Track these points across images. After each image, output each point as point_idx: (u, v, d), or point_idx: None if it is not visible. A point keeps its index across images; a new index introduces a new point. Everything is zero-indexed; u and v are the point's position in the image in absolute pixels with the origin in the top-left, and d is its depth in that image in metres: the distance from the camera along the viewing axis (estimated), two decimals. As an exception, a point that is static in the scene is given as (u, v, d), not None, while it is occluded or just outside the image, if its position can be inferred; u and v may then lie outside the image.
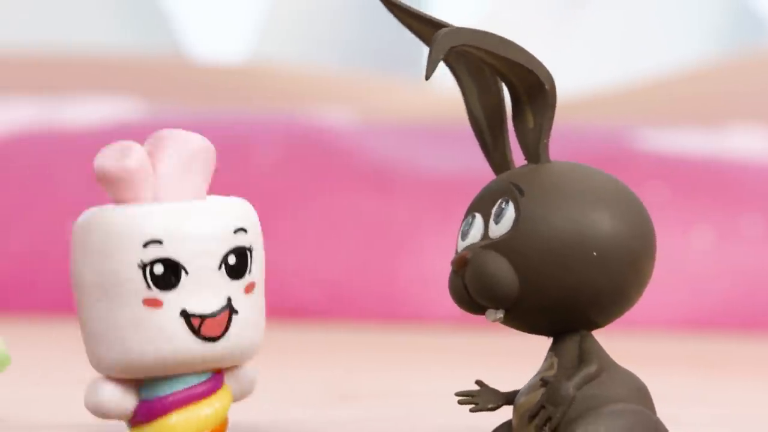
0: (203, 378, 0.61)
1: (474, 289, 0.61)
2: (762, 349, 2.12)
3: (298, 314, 2.39)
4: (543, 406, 0.60)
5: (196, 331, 0.59)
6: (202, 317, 0.60)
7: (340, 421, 0.84)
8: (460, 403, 0.64)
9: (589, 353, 0.62)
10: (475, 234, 0.63)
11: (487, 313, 0.62)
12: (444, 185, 2.49)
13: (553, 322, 0.62)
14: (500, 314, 0.61)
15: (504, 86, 0.64)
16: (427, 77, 0.60)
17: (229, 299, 0.60)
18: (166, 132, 0.62)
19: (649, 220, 0.64)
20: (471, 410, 0.63)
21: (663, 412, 1.00)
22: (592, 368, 0.61)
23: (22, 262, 2.49)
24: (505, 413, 0.64)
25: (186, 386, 0.60)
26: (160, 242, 0.59)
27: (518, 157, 0.66)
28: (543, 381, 0.61)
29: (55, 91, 3.05)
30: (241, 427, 0.81)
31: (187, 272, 0.59)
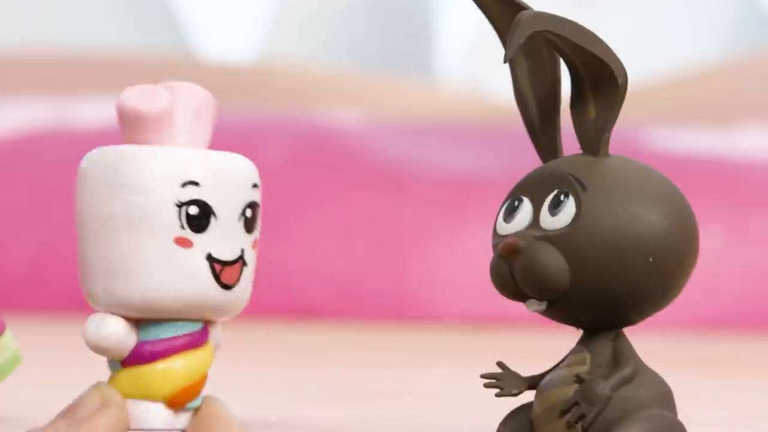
0: (197, 327, 0.62)
1: (524, 279, 0.61)
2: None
3: (309, 313, 2.39)
4: (577, 403, 0.60)
5: (217, 276, 0.61)
6: (224, 264, 0.61)
7: (348, 420, 0.85)
8: (486, 386, 0.64)
9: (624, 354, 0.62)
10: (522, 219, 0.62)
11: (528, 302, 0.62)
12: (454, 185, 2.49)
13: (594, 317, 0.62)
14: (543, 305, 0.61)
15: (563, 72, 0.64)
16: (507, 59, 0.60)
17: (243, 251, 0.62)
18: (174, 82, 0.63)
19: (695, 222, 0.64)
20: (496, 395, 0.64)
21: (680, 412, 1.00)
22: (628, 370, 0.62)
23: (34, 260, 2.49)
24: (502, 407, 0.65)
25: (185, 332, 0.61)
26: (197, 184, 0.61)
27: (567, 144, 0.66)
28: (578, 378, 0.61)
29: (67, 91, 3.06)
30: (251, 424, 0.81)
31: (216, 218, 0.61)
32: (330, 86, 4.38)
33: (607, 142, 0.63)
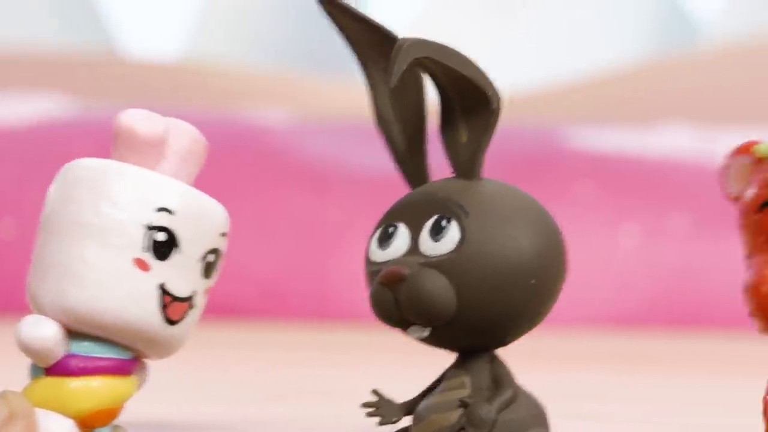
0: (128, 356, 0.62)
1: (411, 307, 0.61)
2: (688, 346, 2.15)
3: (230, 313, 2.39)
4: (463, 428, 0.61)
5: (163, 308, 0.61)
6: (174, 298, 0.62)
7: (264, 420, 0.85)
8: (368, 415, 0.64)
9: (503, 376, 0.62)
10: (400, 246, 0.62)
11: (411, 329, 0.61)
12: (378, 184, 2.51)
13: (475, 341, 0.62)
14: (426, 332, 0.61)
15: (427, 94, 0.64)
16: (392, 84, 0.60)
17: (194, 293, 0.63)
18: (173, 119, 0.65)
19: (564, 240, 0.65)
20: (378, 423, 0.64)
21: (596, 409, 1.02)
22: (509, 392, 0.62)
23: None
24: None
25: (115, 356, 0.61)
26: (171, 213, 0.62)
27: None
28: (463, 402, 0.61)
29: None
30: (166, 424, 0.82)
31: (180, 251, 0.62)
32: (255, 85, 4.37)
33: (481, 166, 0.63)
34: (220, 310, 2.38)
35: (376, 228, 0.64)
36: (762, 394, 0.60)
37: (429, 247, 0.61)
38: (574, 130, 2.69)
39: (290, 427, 0.81)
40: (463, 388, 0.62)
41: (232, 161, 2.57)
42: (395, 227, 0.63)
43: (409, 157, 0.65)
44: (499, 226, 0.61)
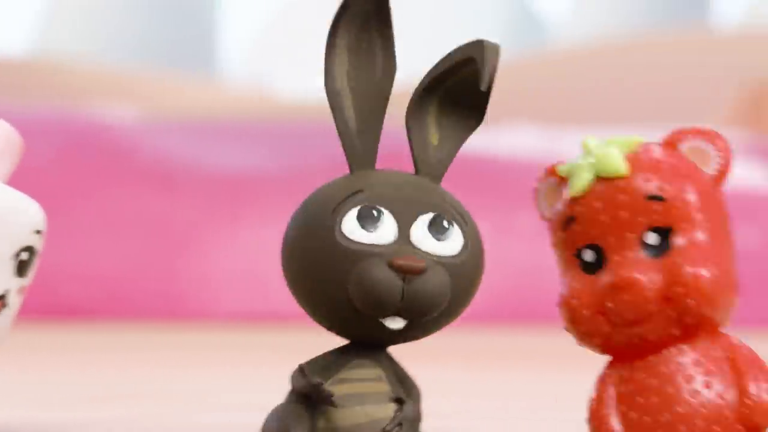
0: None
1: (418, 300, 0.61)
2: (534, 342, 2.18)
3: (76, 314, 2.35)
4: (401, 423, 0.61)
5: None
6: None
7: (98, 421, 0.83)
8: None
9: (404, 371, 0.64)
10: (388, 232, 0.61)
11: (390, 319, 0.61)
12: (230, 183, 2.48)
13: (417, 337, 0.63)
14: (402, 324, 0.62)
15: (388, 75, 0.63)
16: (485, 87, 0.62)
17: (7, 291, 0.61)
18: None
19: None
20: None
21: (444, 406, 1.02)
22: (417, 388, 0.63)
23: None
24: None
25: None
26: None
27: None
28: (398, 399, 0.62)
29: None
30: None
31: None
32: (107, 83, 4.30)
33: (444, 173, 0.64)
34: (65, 311, 2.34)
35: (352, 205, 0.62)
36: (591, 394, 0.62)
37: (431, 244, 0.62)
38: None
39: (110, 428, 0.80)
40: (382, 381, 0.62)
41: (78, 159, 2.52)
42: (380, 212, 0.62)
43: (358, 135, 0.64)
44: (478, 237, 0.63)
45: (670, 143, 0.62)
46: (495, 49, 0.62)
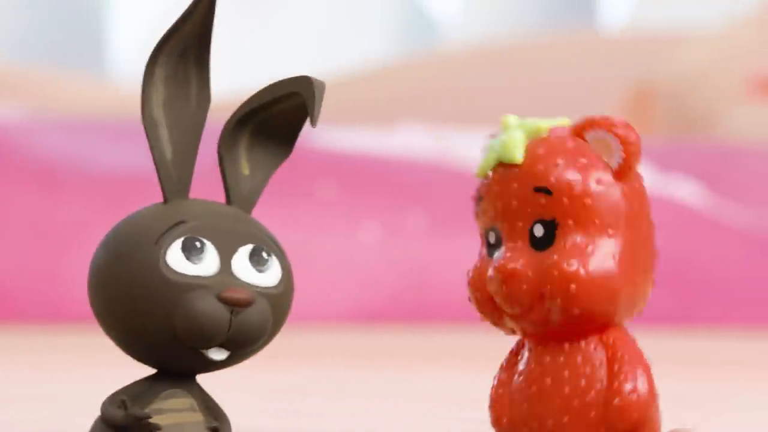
0: None
1: (244, 332, 0.61)
2: (427, 341, 2.19)
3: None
4: None
5: None
6: None
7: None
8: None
9: (212, 400, 0.64)
10: (211, 264, 0.61)
11: (214, 350, 0.61)
12: (115, 183, 2.45)
13: (231, 364, 0.63)
14: (225, 355, 0.62)
15: (207, 110, 0.64)
16: (315, 125, 0.62)
17: None
18: None
19: None
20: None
21: (335, 406, 1.02)
22: (226, 416, 0.63)
23: None
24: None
25: None
26: None
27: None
28: (214, 429, 0.62)
29: None
30: None
31: None
32: (-10, 80, 4.22)
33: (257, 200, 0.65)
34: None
35: (169, 236, 0.62)
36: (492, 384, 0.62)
37: (252, 275, 0.62)
38: (316, 129, 2.71)
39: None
40: (195, 411, 0.63)
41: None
42: (203, 243, 0.62)
43: (173, 165, 0.64)
44: (290, 266, 0.64)
45: (578, 132, 0.61)
46: (323, 86, 0.63)
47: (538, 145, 0.60)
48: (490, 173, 0.60)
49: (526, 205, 0.59)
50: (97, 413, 0.63)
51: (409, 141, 2.70)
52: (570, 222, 0.59)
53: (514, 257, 0.59)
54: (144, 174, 2.67)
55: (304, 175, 2.50)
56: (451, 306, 2.44)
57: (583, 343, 0.60)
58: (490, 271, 0.59)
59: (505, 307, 0.59)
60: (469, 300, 0.61)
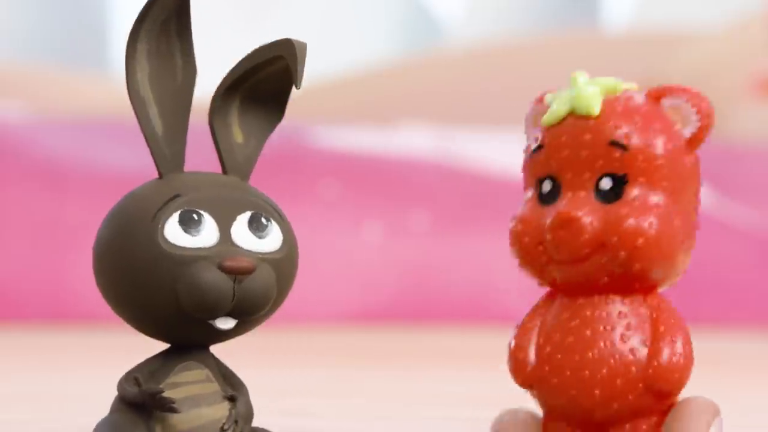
0: None
1: (248, 299, 0.61)
2: (429, 340, 2.19)
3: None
4: (237, 421, 0.62)
5: None
6: None
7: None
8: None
9: (228, 369, 0.64)
10: (210, 235, 0.61)
11: (222, 319, 0.61)
12: (119, 183, 2.45)
13: (238, 334, 0.63)
14: (232, 324, 0.62)
15: (194, 83, 0.63)
16: (299, 87, 0.62)
17: None
18: None
19: None
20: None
21: (348, 407, 1.02)
22: (244, 385, 0.63)
23: None
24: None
25: None
26: None
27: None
28: (232, 397, 0.62)
29: None
30: None
31: None
32: (-7, 79, 4.23)
33: (253, 167, 0.65)
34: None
35: (165, 211, 0.62)
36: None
37: (252, 242, 0.62)
38: (319, 129, 2.71)
39: None
40: (211, 381, 0.63)
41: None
42: (200, 215, 0.62)
43: (165, 142, 0.64)
44: (292, 231, 0.64)
45: (655, 96, 0.62)
46: (305, 47, 0.63)
47: (615, 101, 0.61)
48: (554, 123, 0.60)
49: (597, 158, 0.60)
50: (102, 413, 0.63)
51: (412, 141, 2.70)
52: (641, 179, 0.60)
53: (578, 205, 0.60)
54: (149, 173, 2.67)
55: (307, 175, 2.50)
56: (453, 305, 2.44)
57: (628, 300, 0.61)
58: (552, 217, 0.60)
59: (560, 253, 0.60)
60: (511, 247, 0.61)
